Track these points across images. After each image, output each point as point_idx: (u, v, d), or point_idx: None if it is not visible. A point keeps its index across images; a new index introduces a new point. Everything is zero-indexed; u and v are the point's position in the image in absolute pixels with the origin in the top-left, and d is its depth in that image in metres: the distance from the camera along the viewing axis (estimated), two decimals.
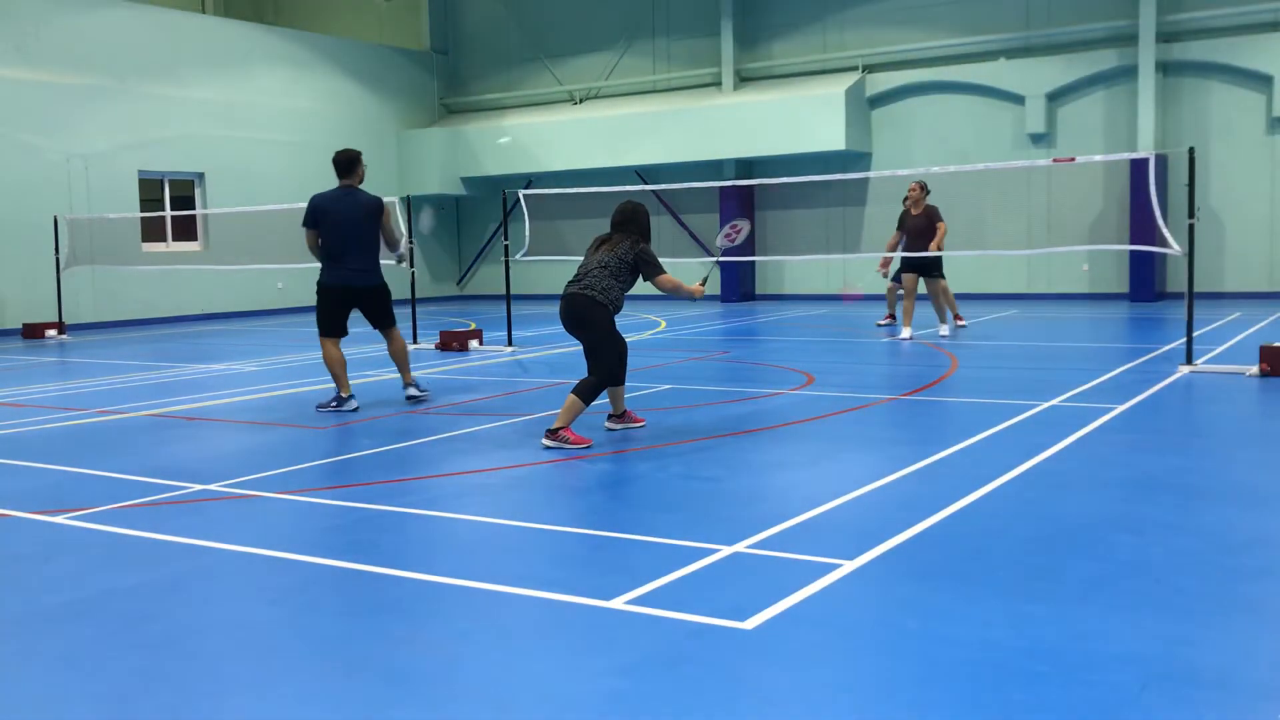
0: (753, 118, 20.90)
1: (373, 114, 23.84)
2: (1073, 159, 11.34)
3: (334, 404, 8.60)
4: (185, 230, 20.75)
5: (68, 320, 17.84)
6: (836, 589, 4.01)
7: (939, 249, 13.13)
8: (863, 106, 20.77)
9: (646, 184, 21.67)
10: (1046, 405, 8.00)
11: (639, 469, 6.33)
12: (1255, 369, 9.21)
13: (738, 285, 21.97)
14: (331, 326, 8.72)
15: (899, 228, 13.60)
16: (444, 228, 25.41)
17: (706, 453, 6.67)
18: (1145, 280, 18.52)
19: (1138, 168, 17.67)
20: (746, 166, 21.99)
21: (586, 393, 6.93)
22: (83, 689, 3.34)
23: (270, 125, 21.74)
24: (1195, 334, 10.43)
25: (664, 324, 16.47)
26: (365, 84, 23.68)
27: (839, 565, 4.25)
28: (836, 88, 20.24)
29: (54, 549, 4.90)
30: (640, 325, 16.00)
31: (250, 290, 21.25)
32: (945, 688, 3.15)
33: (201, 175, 20.74)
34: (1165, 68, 18.64)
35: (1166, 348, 11.48)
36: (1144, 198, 16.28)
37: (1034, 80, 19.38)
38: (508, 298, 13.61)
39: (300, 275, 19.20)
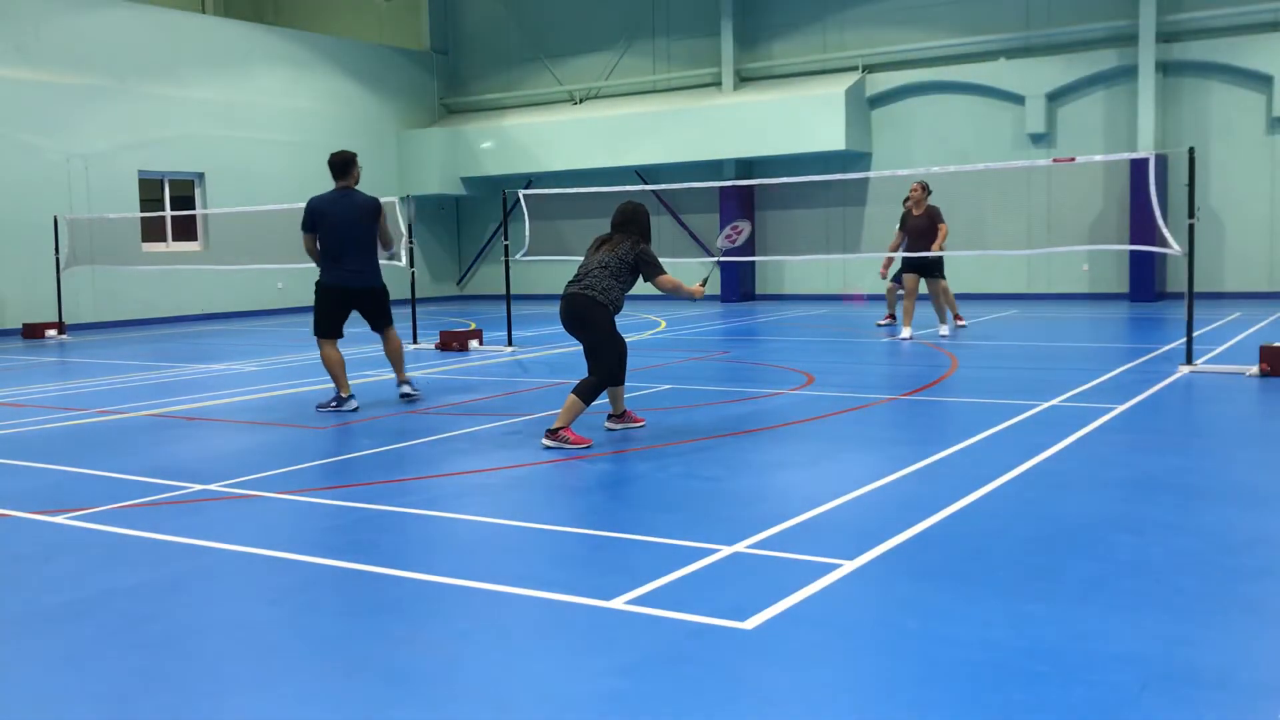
0: (753, 118, 20.89)
1: (373, 114, 23.84)
2: (1073, 159, 11.35)
3: (334, 404, 8.60)
4: (185, 230, 20.75)
5: (68, 320, 17.83)
6: (836, 589, 4.01)
7: (941, 250, 13.14)
8: (863, 106, 20.76)
9: (646, 184, 21.67)
10: (1046, 405, 8.00)
11: (639, 469, 6.33)
12: (1255, 369, 9.20)
13: (738, 285, 21.97)
14: (328, 328, 8.71)
15: (900, 228, 13.59)
16: (444, 228, 25.41)
17: (706, 453, 6.67)
18: (1145, 280, 18.52)
19: (1138, 168, 17.67)
20: (746, 166, 21.99)
21: (586, 393, 6.94)
22: (83, 689, 3.34)
23: (270, 125, 21.74)
24: (1195, 334, 10.42)
25: (664, 324, 16.47)
26: (365, 84, 23.67)
27: (839, 565, 4.25)
28: (836, 88, 20.24)
29: (54, 549, 4.90)
30: (640, 325, 16.00)
31: (250, 290, 21.25)
32: (945, 688, 3.15)
33: (201, 175, 20.74)
34: (1165, 68, 18.64)
35: (1166, 348, 11.48)
36: (1144, 198, 16.27)
37: (1034, 80, 19.38)
38: (508, 298, 13.61)
39: (300, 275, 19.19)
